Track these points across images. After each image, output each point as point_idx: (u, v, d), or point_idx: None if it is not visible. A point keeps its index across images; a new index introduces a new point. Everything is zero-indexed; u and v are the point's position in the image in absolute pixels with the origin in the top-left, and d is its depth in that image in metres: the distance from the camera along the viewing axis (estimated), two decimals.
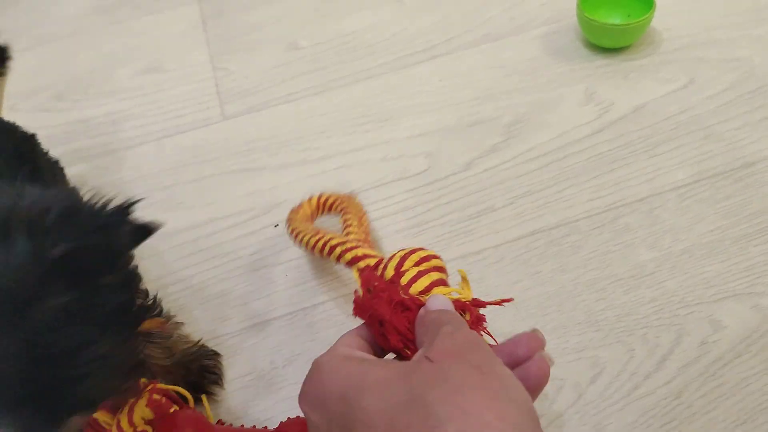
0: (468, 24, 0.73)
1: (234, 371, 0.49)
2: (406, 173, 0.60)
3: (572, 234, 0.53)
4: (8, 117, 0.71)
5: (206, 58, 0.76)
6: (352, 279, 0.52)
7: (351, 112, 0.66)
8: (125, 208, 0.33)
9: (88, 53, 0.80)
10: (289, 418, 0.44)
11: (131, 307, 0.35)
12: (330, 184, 0.60)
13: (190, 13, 0.82)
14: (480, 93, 0.65)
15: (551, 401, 0.45)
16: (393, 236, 0.55)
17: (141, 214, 0.35)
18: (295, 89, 0.70)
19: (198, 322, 0.52)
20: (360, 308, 0.34)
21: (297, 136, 0.65)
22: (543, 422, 0.45)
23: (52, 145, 0.66)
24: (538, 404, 0.45)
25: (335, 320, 0.51)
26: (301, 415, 0.32)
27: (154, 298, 0.44)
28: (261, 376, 0.49)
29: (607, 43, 0.66)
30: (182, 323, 0.49)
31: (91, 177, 0.65)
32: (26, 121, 0.69)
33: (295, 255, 0.54)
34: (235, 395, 0.48)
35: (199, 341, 0.49)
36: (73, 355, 0.30)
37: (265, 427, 0.45)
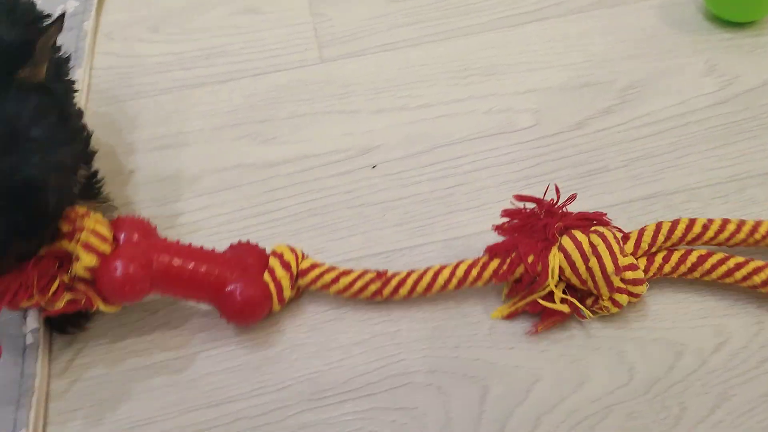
0: None
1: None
2: (512, 127, 0.57)
3: (693, 201, 0.50)
4: (104, 45, 0.70)
5: (305, 3, 0.74)
6: (454, 224, 0.50)
7: (453, 65, 0.64)
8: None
9: None
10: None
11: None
12: (430, 131, 0.57)
13: None
14: (592, 57, 0.62)
15: (671, 367, 0.42)
16: (499, 187, 0.52)
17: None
18: (394, 39, 0.67)
19: None
20: None
21: (395, 84, 0.62)
22: (661, 386, 0.42)
23: (147, 74, 0.65)
24: (656, 369, 0.42)
25: (433, 263, 0.48)
26: None
27: (98, 180, 0.47)
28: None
29: (732, 15, 0.62)
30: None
31: (184, 107, 0.63)
32: (121, 50, 0.69)
33: (393, 196, 0.52)
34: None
35: None
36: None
37: (214, 249, 0.45)
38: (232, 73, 0.66)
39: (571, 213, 0.45)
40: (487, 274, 0.44)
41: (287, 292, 0.44)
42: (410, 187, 0.53)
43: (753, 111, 0.55)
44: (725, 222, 0.43)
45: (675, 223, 0.43)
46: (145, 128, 0.62)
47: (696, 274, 0.43)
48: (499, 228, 0.45)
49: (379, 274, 0.45)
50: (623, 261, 0.42)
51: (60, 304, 0.39)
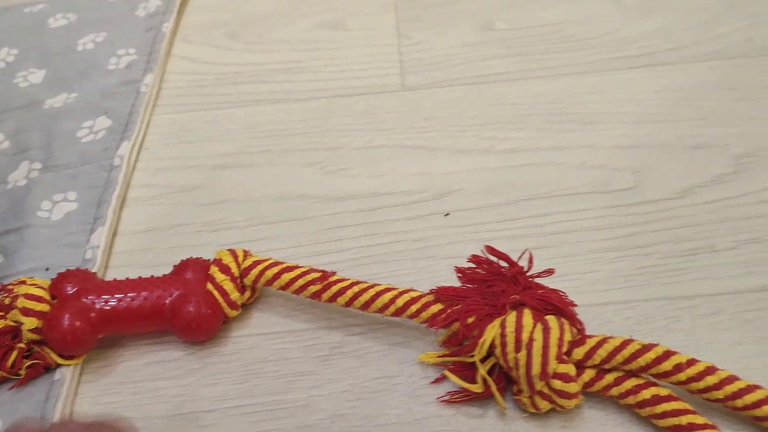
0: (696, 36, 0.63)
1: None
2: (607, 187, 0.51)
3: None
4: (181, 48, 0.68)
5: (392, 23, 0.69)
6: None
7: (549, 107, 0.58)
8: None
9: None
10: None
11: None
12: (515, 181, 0.52)
13: None
14: (705, 114, 0.55)
15: None
16: (585, 256, 0.46)
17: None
18: (487, 72, 0.62)
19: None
20: None
21: (482, 122, 0.57)
22: None
23: (221, 84, 0.62)
24: None
25: None
26: None
27: None
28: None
29: None
30: None
31: (255, 124, 0.60)
32: (197, 55, 0.66)
33: (465, 252, 0.47)
34: None
35: None
36: None
37: (152, 276, 0.44)
38: (309, 92, 0.62)
39: (542, 288, 0.40)
40: (425, 315, 0.40)
41: (234, 295, 0.42)
42: (484, 243, 0.48)
43: None
44: (714, 370, 0.36)
45: (646, 348, 0.36)
46: (211, 143, 0.59)
47: (643, 413, 0.37)
48: (460, 271, 0.41)
49: (323, 276, 0.42)
50: (556, 367, 0.36)
51: (22, 372, 0.41)
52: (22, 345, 0.41)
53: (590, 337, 0.38)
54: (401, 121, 0.58)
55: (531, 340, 0.36)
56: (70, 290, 0.42)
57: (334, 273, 0.43)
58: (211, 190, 0.54)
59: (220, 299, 0.42)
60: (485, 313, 0.39)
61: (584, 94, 0.58)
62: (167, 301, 0.42)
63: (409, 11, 0.71)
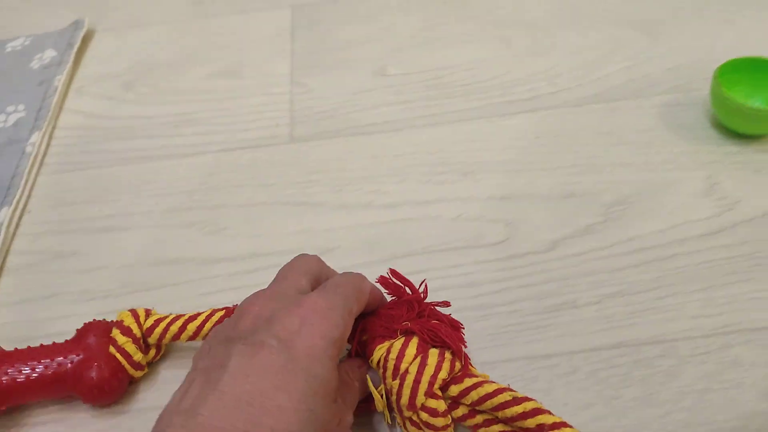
0: (579, 78, 0.64)
1: None
2: (480, 240, 0.51)
3: (667, 356, 0.44)
4: (73, 101, 0.67)
5: (287, 69, 0.70)
6: None
7: (430, 157, 0.58)
8: None
9: (169, 45, 0.75)
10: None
11: None
12: (393, 236, 0.52)
13: (281, 18, 0.77)
14: (581, 160, 0.56)
15: None
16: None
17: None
18: (374, 120, 0.63)
19: None
20: None
21: (366, 174, 0.58)
22: None
23: (110, 139, 0.62)
24: None
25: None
26: None
27: None
28: None
29: (742, 127, 0.56)
30: None
31: (139, 182, 0.59)
32: (90, 108, 0.65)
33: None
34: None
35: None
36: None
37: (53, 342, 0.44)
38: (197, 147, 0.62)
39: (438, 317, 0.41)
40: None
41: (137, 356, 0.43)
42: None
43: (751, 247, 0.49)
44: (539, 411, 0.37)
45: (517, 401, 0.37)
46: (94, 204, 0.58)
47: None
48: None
49: (227, 312, 0.44)
50: (424, 401, 0.37)
51: None
52: None
53: (471, 376, 0.39)
54: (286, 175, 0.58)
55: (406, 371, 0.38)
56: None
57: (236, 305, 0.42)
58: (89, 255, 0.54)
59: (124, 361, 0.42)
60: (378, 334, 0.40)
61: (467, 142, 0.59)
62: (68, 367, 0.42)
63: (306, 57, 0.71)
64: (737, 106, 0.54)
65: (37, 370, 0.41)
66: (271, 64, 0.71)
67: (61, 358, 0.42)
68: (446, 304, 0.42)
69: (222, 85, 0.69)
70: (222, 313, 0.44)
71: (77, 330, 0.44)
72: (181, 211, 0.56)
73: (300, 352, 0.32)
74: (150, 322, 0.44)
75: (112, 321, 0.45)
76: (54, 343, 0.44)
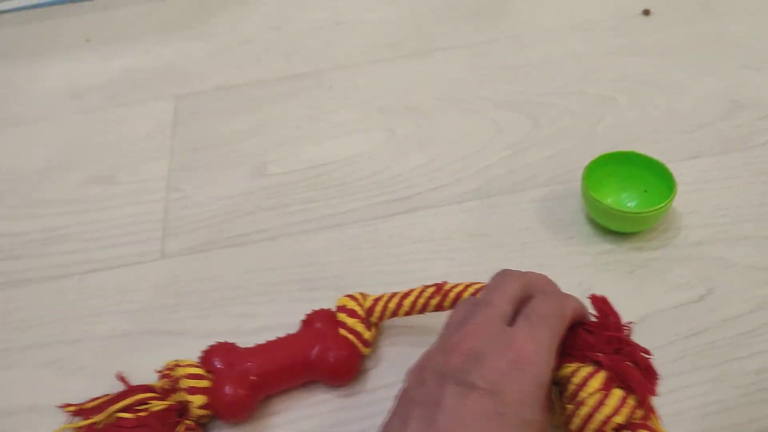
0: (459, 171, 0.63)
1: None
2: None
3: None
4: None
5: (164, 171, 0.67)
6: None
7: (304, 269, 0.57)
8: None
9: (45, 147, 0.72)
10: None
11: None
12: None
13: (163, 111, 0.75)
14: (455, 269, 0.55)
15: None
16: None
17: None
18: (249, 229, 0.61)
19: None
20: None
21: (235, 294, 0.55)
22: None
23: None
24: None
25: None
26: None
27: None
28: None
29: (614, 226, 0.55)
30: None
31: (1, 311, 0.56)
32: None
33: None
34: None
35: None
36: None
37: (287, 334, 0.48)
38: (64, 267, 0.59)
39: (635, 361, 0.39)
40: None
41: (366, 335, 0.47)
42: None
43: None
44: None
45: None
46: None
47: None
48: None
49: (438, 287, 0.47)
50: None
51: None
52: (189, 422, 0.44)
53: (648, 429, 0.37)
54: (151, 300, 0.56)
55: (582, 402, 0.36)
56: (219, 364, 0.46)
57: (445, 282, 0.47)
58: None
59: (355, 341, 0.47)
60: (569, 353, 0.39)
61: (339, 253, 0.58)
62: (309, 355, 0.46)
63: (186, 155, 0.69)
64: (605, 208, 0.53)
65: (285, 360, 0.46)
66: (148, 164, 0.68)
67: (300, 347, 0.46)
68: (647, 351, 0.39)
69: (95, 194, 0.66)
70: (433, 289, 0.47)
71: (302, 321, 0.49)
72: (40, 347, 0.53)
73: (510, 398, 0.33)
74: (369, 302, 0.48)
75: (329, 309, 0.49)
76: (286, 334, 0.48)
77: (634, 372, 0.38)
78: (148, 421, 0.44)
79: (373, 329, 0.48)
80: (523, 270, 0.42)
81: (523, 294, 0.39)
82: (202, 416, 0.45)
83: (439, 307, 0.46)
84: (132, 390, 0.46)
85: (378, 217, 0.60)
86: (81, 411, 0.46)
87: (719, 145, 0.63)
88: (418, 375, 0.36)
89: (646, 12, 0.78)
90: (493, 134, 0.66)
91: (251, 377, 0.45)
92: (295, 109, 0.73)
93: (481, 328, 0.36)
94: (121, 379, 0.49)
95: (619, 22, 0.80)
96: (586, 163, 0.56)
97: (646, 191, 0.56)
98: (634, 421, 0.37)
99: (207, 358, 0.47)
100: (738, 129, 0.64)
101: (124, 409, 0.45)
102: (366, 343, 0.47)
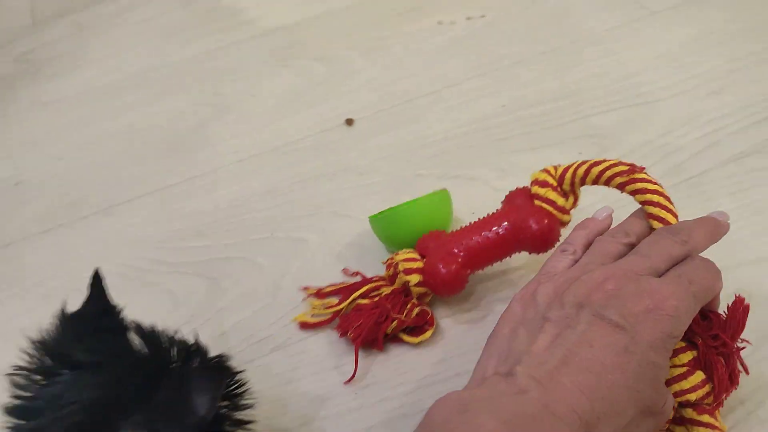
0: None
1: None
2: None
3: None
4: None
5: None
6: None
7: None
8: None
9: None
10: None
11: None
12: None
13: None
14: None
15: None
16: None
17: None
18: None
19: None
20: None
21: None
22: None
23: None
24: None
25: None
26: None
27: None
28: None
29: (393, 234, 0.54)
30: None
31: None
32: None
33: None
34: None
35: None
36: None
37: (488, 214, 0.51)
38: None
39: (732, 365, 0.40)
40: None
41: (560, 201, 0.48)
42: None
43: None
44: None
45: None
46: None
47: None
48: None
49: (631, 169, 0.45)
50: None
51: (412, 316, 0.49)
52: (414, 301, 0.49)
53: (703, 424, 0.38)
54: None
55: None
56: (431, 246, 0.49)
57: (642, 169, 0.45)
58: None
59: (550, 209, 0.48)
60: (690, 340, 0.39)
61: None
62: (510, 227, 0.48)
63: None
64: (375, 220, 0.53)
65: (490, 235, 0.48)
66: None
67: (503, 221, 0.48)
68: (745, 366, 0.40)
69: None
70: (625, 168, 0.45)
71: (502, 202, 0.51)
72: None
73: (642, 338, 0.34)
74: (559, 171, 0.48)
75: (525, 186, 0.50)
76: (489, 214, 0.50)
77: (721, 369, 0.38)
78: (380, 303, 0.49)
79: (571, 197, 0.49)
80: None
81: (685, 257, 0.39)
82: (422, 294, 0.49)
83: (620, 187, 0.45)
84: (366, 280, 0.52)
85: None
86: (319, 293, 0.53)
87: None
88: (558, 297, 0.37)
89: (349, 122, 0.69)
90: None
91: (459, 253, 0.48)
92: None
93: (628, 275, 0.37)
94: (357, 273, 0.54)
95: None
96: None
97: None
98: (704, 405, 0.39)
99: (420, 244, 0.51)
100: None
101: (362, 296, 0.51)
102: (562, 210, 0.48)
